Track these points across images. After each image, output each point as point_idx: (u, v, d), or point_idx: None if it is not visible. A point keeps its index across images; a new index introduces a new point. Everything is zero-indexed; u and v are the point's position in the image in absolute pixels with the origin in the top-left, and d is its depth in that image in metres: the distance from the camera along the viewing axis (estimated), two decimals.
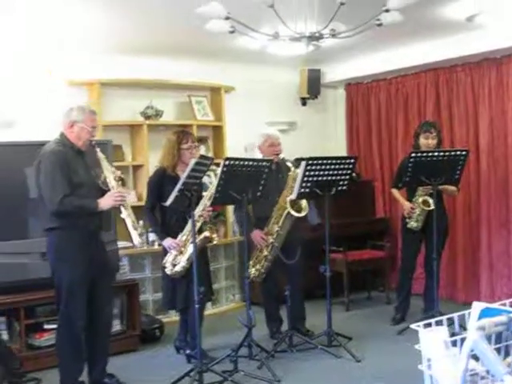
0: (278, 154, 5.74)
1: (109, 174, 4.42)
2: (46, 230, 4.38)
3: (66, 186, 4.20)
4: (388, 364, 5.11)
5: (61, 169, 4.21)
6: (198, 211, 4.95)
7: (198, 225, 5.00)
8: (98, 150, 4.43)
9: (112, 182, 4.40)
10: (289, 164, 5.58)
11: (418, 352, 2.47)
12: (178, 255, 5.09)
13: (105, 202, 4.35)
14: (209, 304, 6.83)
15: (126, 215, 4.39)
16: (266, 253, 5.58)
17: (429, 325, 2.34)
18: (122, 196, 4.37)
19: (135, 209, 6.05)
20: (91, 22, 5.41)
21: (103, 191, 4.44)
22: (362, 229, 7.64)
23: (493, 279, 6.79)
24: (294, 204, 5.49)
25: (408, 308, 6.32)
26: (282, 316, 5.92)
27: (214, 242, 5.35)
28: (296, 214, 5.48)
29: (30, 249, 5.27)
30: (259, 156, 5.84)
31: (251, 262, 5.59)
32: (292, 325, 5.55)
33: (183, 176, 4.56)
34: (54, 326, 5.14)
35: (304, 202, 5.52)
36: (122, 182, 4.51)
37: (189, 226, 5.03)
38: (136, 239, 4.44)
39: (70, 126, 4.38)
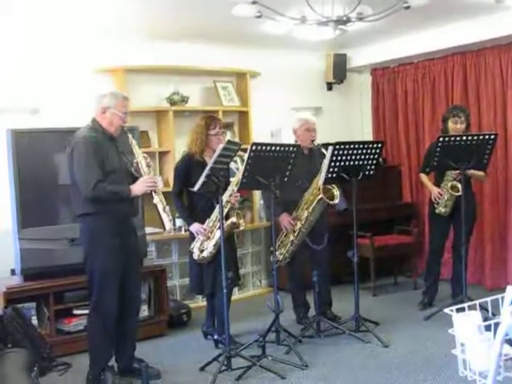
0: (313, 140, 5.71)
1: (141, 159, 4.45)
2: (79, 216, 4.41)
3: (99, 171, 4.22)
4: (416, 349, 5.10)
5: (94, 155, 4.22)
6: (225, 197, 4.96)
7: (226, 210, 5.00)
8: (130, 135, 4.45)
9: (144, 168, 4.43)
10: (324, 151, 5.52)
11: (447, 337, 2.46)
12: (205, 241, 5.11)
13: (137, 188, 4.37)
14: (235, 289, 6.85)
15: (158, 201, 4.41)
16: (292, 238, 5.57)
17: (461, 309, 2.32)
18: (154, 182, 4.40)
19: (162, 194, 6.14)
20: (116, 8, 5.42)
21: (134, 177, 4.46)
22: (389, 214, 7.61)
23: None
24: (327, 191, 5.47)
25: (436, 293, 6.30)
26: (308, 301, 5.92)
27: (241, 229, 5.35)
28: (328, 201, 5.46)
29: (59, 235, 5.32)
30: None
31: (275, 246, 5.59)
32: (319, 310, 5.55)
33: (211, 161, 4.56)
34: (83, 312, 5.25)
35: (336, 191, 5.48)
36: (151, 167, 4.53)
37: (216, 212, 5.03)
38: (167, 224, 4.45)
39: (102, 112, 4.39)
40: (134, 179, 4.44)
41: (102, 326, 4.43)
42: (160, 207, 4.41)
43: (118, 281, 4.41)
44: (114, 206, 4.32)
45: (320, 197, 5.44)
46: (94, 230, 4.34)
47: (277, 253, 5.57)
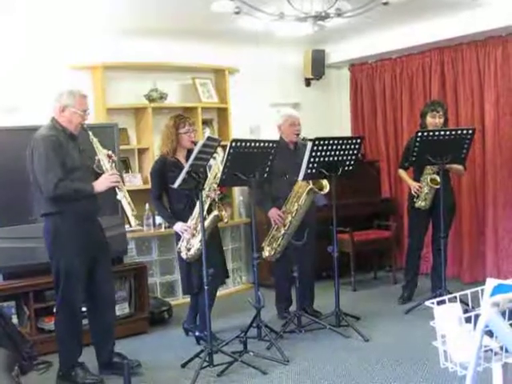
0: (298, 134, 5.72)
1: (102, 156, 4.43)
2: (43, 216, 4.41)
3: (59, 170, 4.21)
4: (397, 342, 5.14)
5: (54, 153, 4.21)
6: (204, 192, 4.94)
7: (207, 205, 5.00)
8: (90, 133, 4.41)
9: (106, 164, 4.42)
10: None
11: (427, 330, 2.48)
12: (191, 238, 5.10)
13: (100, 184, 4.36)
14: None
15: (122, 196, 4.40)
16: (282, 231, 5.57)
17: (442, 302, 2.35)
18: (116, 177, 4.38)
19: (140, 192, 6.14)
20: (94, 4, 5.39)
21: (97, 174, 4.45)
22: (368, 209, 7.65)
23: (498, 258, 6.80)
24: (316, 182, 5.47)
25: (415, 287, 6.35)
26: (292, 297, 5.94)
27: (225, 221, 5.35)
28: (319, 192, 5.47)
29: (38, 233, 5.27)
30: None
31: (266, 241, 5.60)
32: (300, 305, 5.56)
33: (191, 158, 4.54)
34: None
35: (325, 181, 5.49)
36: (114, 164, 4.53)
37: (197, 209, 5.03)
38: (132, 221, 4.44)
39: (61, 111, 4.39)
40: (97, 176, 4.44)
41: (68, 325, 4.47)
42: (124, 203, 4.39)
43: (84, 278, 4.44)
44: (77, 205, 4.32)
45: (310, 187, 5.44)
46: (58, 229, 4.34)
47: (268, 248, 5.58)
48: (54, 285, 4.52)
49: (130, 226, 4.69)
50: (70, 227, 4.32)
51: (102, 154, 4.44)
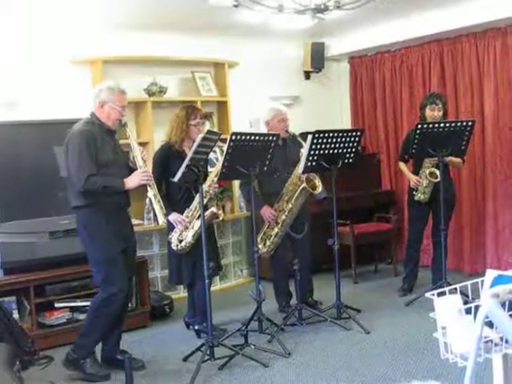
0: (286, 130, 5.71)
1: (137, 153, 4.48)
2: (73, 208, 4.45)
3: (92, 165, 4.26)
4: (397, 334, 5.15)
5: (87, 148, 4.26)
6: (204, 187, 4.94)
7: (205, 201, 4.99)
8: (127, 129, 4.49)
9: (140, 161, 4.46)
10: (301, 140, 5.55)
11: (427, 322, 2.49)
12: (184, 231, 5.10)
13: (131, 181, 4.40)
14: (217, 279, 6.87)
15: (152, 194, 4.46)
16: (276, 230, 5.58)
17: (442, 294, 2.35)
18: (148, 175, 4.43)
19: (140, 186, 6.11)
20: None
21: (132, 170, 4.50)
22: (368, 202, 7.65)
23: (499, 249, 6.81)
24: (309, 181, 5.48)
25: (415, 279, 6.37)
26: (291, 290, 5.95)
27: (220, 219, 5.37)
28: (311, 191, 5.48)
29: (39, 228, 5.30)
30: (265, 131, 5.83)
31: (259, 238, 5.59)
32: (301, 298, 5.57)
33: (190, 151, 4.55)
34: (65, 305, 5.30)
35: (318, 180, 5.50)
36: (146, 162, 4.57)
37: (195, 202, 5.04)
38: (161, 218, 4.51)
39: (100, 106, 4.43)
40: (131, 172, 4.48)
41: (108, 312, 4.48)
42: (155, 201, 4.46)
43: (123, 264, 4.47)
44: (106, 199, 4.37)
45: (303, 186, 5.45)
46: (88, 222, 4.40)
47: (261, 245, 5.58)
48: (93, 275, 4.58)
49: (158, 223, 4.81)
50: (99, 220, 4.37)
51: (136, 151, 4.49)
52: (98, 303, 4.52)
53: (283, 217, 5.55)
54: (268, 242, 5.62)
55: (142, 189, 4.56)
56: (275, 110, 5.82)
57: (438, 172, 5.76)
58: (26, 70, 5.95)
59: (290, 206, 5.53)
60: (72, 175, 4.31)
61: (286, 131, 5.70)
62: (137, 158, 4.47)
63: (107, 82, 4.62)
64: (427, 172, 5.89)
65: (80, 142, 4.27)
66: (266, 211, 5.58)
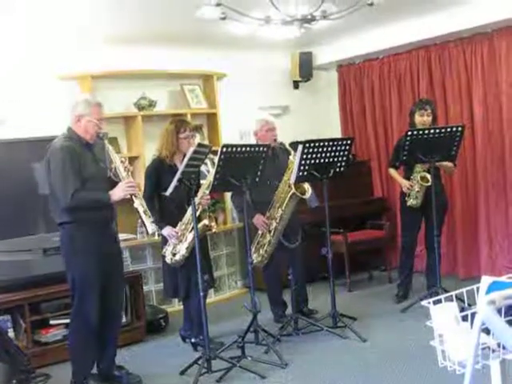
0: (275, 139, 5.75)
1: (118, 164, 4.42)
2: (59, 225, 4.40)
3: (76, 180, 4.21)
4: (394, 342, 5.14)
5: (70, 164, 4.21)
6: (196, 200, 4.94)
7: (197, 213, 4.98)
8: (106, 141, 4.43)
9: (122, 172, 4.40)
10: (289, 148, 5.59)
11: (424, 328, 2.48)
12: (178, 244, 5.09)
13: (117, 193, 4.35)
14: (211, 291, 6.85)
15: (138, 204, 4.39)
16: (268, 238, 5.59)
17: (438, 301, 2.35)
18: (133, 186, 4.38)
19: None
20: (80, 14, 5.38)
21: (113, 183, 4.44)
22: (361, 209, 7.66)
23: (492, 253, 6.83)
24: (298, 186, 5.49)
25: (410, 285, 6.37)
26: (285, 300, 5.94)
27: (213, 231, 5.36)
28: (301, 196, 5.49)
29: (32, 245, 5.28)
30: (255, 142, 5.85)
31: (253, 248, 5.59)
32: (296, 308, 5.57)
33: (182, 165, 4.54)
34: (60, 322, 5.24)
35: (307, 185, 5.52)
36: (129, 171, 4.50)
37: (188, 215, 5.04)
38: (149, 227, 4.42)
39: (77, 120, 4.38)
40: (113, 185, 4.42)
41: (83, 335, 4.42)
42: (141, 210, 4.39)
43: (99, 290, 4.38)
44: (93, 214, 4.31)
45: (292, 192, 5.46)
46: (74, 238, 4.33)
47: (255, 254, 5.58)
48: (70, 294, 4.50)
49: (147, 233, 4.75)
50: (85, 237, 4.31)
51: (117, 162, 4.43)
52: (74, 325, 4.48)
53: (274, 224, 5.56)
54: (261, 251, 5.61)
55: (132, 202, 4.50)
56: (261, 120, 5.96)
57: (429, 176, 5.78)
58: (13, 87, 5.93)
59: (281, 212, 5.54)
60: (56, 191, 4.25)
61: (275, 140, 5.74)
62: (119, 170, 4.40)
63: (83, 95, 4.59)
64: (418, 177, 5.90)
65: (63, 158, 4.21)
66: (259, 220, 5.59)
